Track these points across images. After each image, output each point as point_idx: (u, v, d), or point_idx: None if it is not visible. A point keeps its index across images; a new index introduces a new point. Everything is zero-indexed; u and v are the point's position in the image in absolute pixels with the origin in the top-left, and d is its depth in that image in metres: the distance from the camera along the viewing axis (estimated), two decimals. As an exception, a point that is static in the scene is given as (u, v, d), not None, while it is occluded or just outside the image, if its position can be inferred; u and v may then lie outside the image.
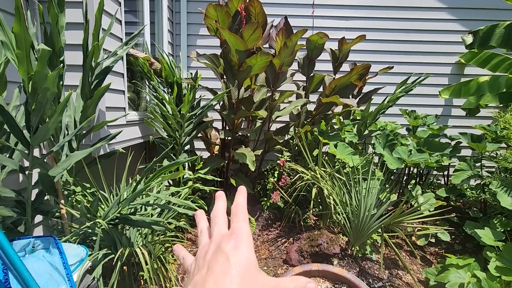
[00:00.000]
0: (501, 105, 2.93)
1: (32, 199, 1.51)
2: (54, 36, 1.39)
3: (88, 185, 1.77)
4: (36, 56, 1.27)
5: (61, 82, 1.53)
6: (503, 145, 2.64)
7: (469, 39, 2.66)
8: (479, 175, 2.43)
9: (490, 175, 2.44)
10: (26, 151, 1.34)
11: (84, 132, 1.80)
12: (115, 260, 1.50)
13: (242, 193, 0.38)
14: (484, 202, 2.62)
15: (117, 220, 1.56)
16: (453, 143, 2.97)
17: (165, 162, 2.45)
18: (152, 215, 1.88)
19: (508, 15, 3.36)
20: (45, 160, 1.69)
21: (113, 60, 1.81)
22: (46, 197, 1.79)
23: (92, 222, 1.53)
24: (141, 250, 1.57)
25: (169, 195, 2.28)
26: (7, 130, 1.46)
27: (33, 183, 1.49)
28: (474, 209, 2.72)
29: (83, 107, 1.69)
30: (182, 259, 0.40)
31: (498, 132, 2.59)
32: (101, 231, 1.54)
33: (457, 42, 3.47)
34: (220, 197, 0.40)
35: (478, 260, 1.96)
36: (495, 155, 2.68)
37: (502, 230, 2.04)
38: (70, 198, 1.69)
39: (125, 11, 2.39)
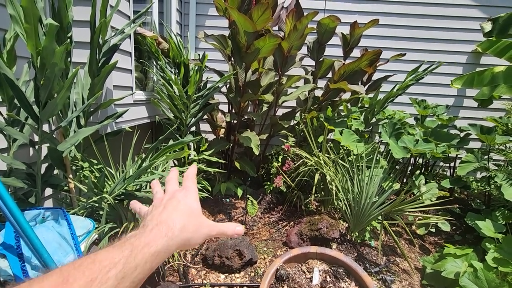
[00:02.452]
0: (516, 97, 2.84)
1: (42, 172, 1.56)
2: (62, 11, 1.39)
3: (95, 162, 1.81)
4: (44, 31, 1.27)
5: (69, 59, 1.54)
6: (514, 138, 2.59)
7: (488, 26, 2.54)
8: (486, 168, 2.40)
9: (497, 168, 2.40)
10: (36, 126, 1.38)
11: (91, 109, 1.83)
12: (120, 233, 1.56)
13: (193, 166, 0.53)
14: (488, 195, 2.60)
15: (122, 196, 1.61)
16: (462, 134, 2.92)
17: (171, 142, 2.49)
18: (156, 193, 1.93)
19: (532, 2, 3.19)
20: (54, 135, 1.74)
21: (121, 38, 1.81)
22: (55, 171, 1.85)
23: (99, 197, 1.58)
24: (145, 225, 1.63)
25: (174, 175, 2.33)
26: (18, 104, 1.50)
27: (42, 158, 1.53)
28: (478, 201, 2.71)
29: (90, 84, 1.71)
30: (139, 209, 0.52)
31: (509, 124, 2.53)
32: (107, 206, 1.60)
33: (474, 30, 3.34)
34: (173, 170, 0.53)
35: (477, 251, 1.97)
36: (504, 148, 2.63)
37: (504, 223, 2.04)
38: (78, 173, 1.75)
39: (133, -12, 2.35)
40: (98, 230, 1.57)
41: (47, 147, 1.42)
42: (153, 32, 2.71)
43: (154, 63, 2.79)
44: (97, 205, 1.64)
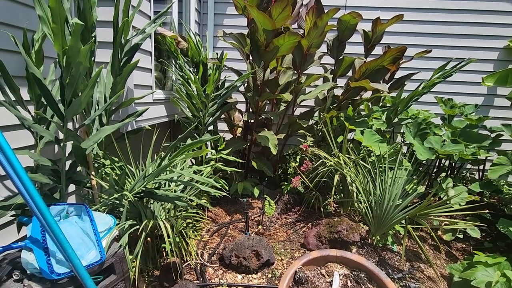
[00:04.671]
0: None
1: (66, 169, 1.61)
2: (87, 12, 1.42)
3: (116, 159, 1.85)
4: (70, 30, 1.30)
5: (92, 58, 1.57)
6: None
7: (523, 20, 2.38)
8: (520, 171, 2.24)
9: (532, 171, 2.24)
10: (61, 124, 1.42)
11: (113, 108, 1.87)
12: (140, 230, 1.58)
13: None
14: (523, 200, 2.43)
15: (142, 194, 1.63)
16: (493, 135, 2.75)
17: (189, 141, 2.50)
18: (175, 191, 1.94)
19: None
20: (77, 133, 1.78)
21: (142, 37, 1.83)
22: (78, 168, 1.91)
23: (119, 194, 1.60)
24: (164, 223, 1.64)
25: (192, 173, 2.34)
26: (44, 103, 1.55)
27: (67, 154, 1.58)
28: (511, 206, 2.54)
29: (112, 83, 1.74)
30: None
31: (547, 125, 2.35)
32: (127, 203, 1.62)
33: (508, 25, 3.14)
34: None
35: (510, 259, 1.84)
36: (540, 151, 2.45)
37: (541, 231, 1.89)
38: (100, 171, 1.78)
39: (154, -11, 2.38)
40: (119, 227, 1.59)
41: (71, 144, 1.45)
42: (173, 32, 2.74)
43: (173, 62, 2.82)
44: (118, 202, 1.67)
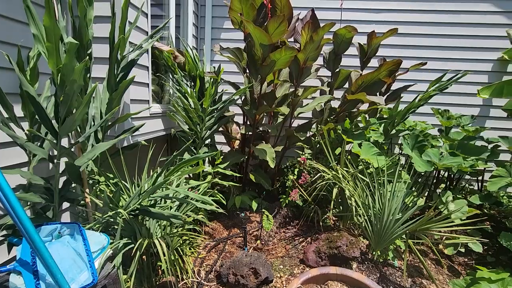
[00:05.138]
0: (549, 107, 2.65)
1: (60, 186, 1.57)
2: (83, 29, 1.42)
3: (111, 176, 1.82)
4: (64, 49, 1.30)
5: (88, 75, 1.57)
6: (549, 151, 2.40)
7: (516, 33, 2.42)
8: (519, 183, 2.22)
9: (532, 183, 2.23)
10: (55, 141, 1.40)
11: (109, 123, 1.85)
12: (134, 249, 1.53)
13: None
14: (523, 212, 2.41)
15: (137, 211, 1.59)
16: (490, 146, 2.74)
17: (186, 155, 2.48)
18: (171, 207, 1.90)
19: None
20: (72, 150, 1.76)
21: (138, 53, 1.83)
22: (72, 185, 1.87)
23: (114, 211, 1.57)
24: (159, 241, 1.60)
25: (189, 189, 2.31)
26: (39, 120, 1.53)
27: (60, 172, 1.55)
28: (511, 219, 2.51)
29: (108, 99, 1.73)
30: None
31: (544, 136, 2.35)
32: (122, 221, 1.58)
33: (500, 37, 3.19)
34: None
35: (514, 275, 1.80)
36: (539, 162, 2.45)
37: (544, 245, 1.86)
38: (94, 188, 1.75)
39: (151, 4, 2.41)
40: (113, 246, 1.55)
41: (64, 162, 1.42)
42: (170, 46, 2.76)
43: (171, 76, 2.83)
44: (112, 220, 1.63)
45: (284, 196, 2.74)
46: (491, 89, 2.39)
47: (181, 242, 2.00)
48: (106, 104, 1.76)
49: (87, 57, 1.47)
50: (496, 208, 2.88)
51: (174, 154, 1.49)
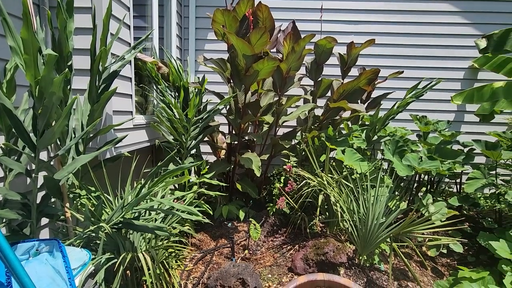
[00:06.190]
0: (517, 111, 2.82)
1: (38, 202, 1.52)
2: (62, 41, 1.41)
3: (93, 189, 1.77)
4: (43, 60, 1.28)
5: (68, 87, 1.55)
6: (519, 153, 2.54)
7: (483, 43, 2.58)
8: (494, 184, 2.33)
9: (505, 184, 2.34)
10: (33, 154, 1.36)
11: (91, 135, 1.82)
12: (117, 264, 1.49)
13: None
14: (499, 212, 2.51)
15: (120, 225, 1.56)
16: (465, 149, 2.87)
17: (171, 166, 2.45)
18: (156, 219, 1.87)
19: (524, 18, 3.26)
20: (52, 164, 1.71)
21: (121, 64, 1.83)
22: (52, 200, 1.81)
23: (96, 226, 1.52)
24: (143, 255, 1.56)
25: (174, 200, 2.27)
26: (16, 133, 1.48)
27: (39, 186, 1.50)
28: (489, 219, 2.62)
29: (90, 111, 1.71)
30: None
31: (514, 139, 2.49)
32: (104, 235, 1.54)
33: (470, 47, 3.39)
34: None
35: (493, 273, 1.87)
36: (511, 163, 2.58)
37: (519, 243, 1.95)
38: (75, 202, 1.70)
39: (134, 16, 2.42)
40: (95, 262, 1.50)
41: (43, 176, 1.38)
42: (153, 58, 2.76)
43: (155, 87, 2.82)
44: (94, 234, 1.58)
45: (271, 205, 2.74)
46: (463, 95, 2.52)
47: (167, 255, 1.96)
48: (87, 116, 1.73)
49: (67, 69, 1.46)
50: (474, 209, 2.99)
51: (158, 164, 1.48)
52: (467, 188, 2.39)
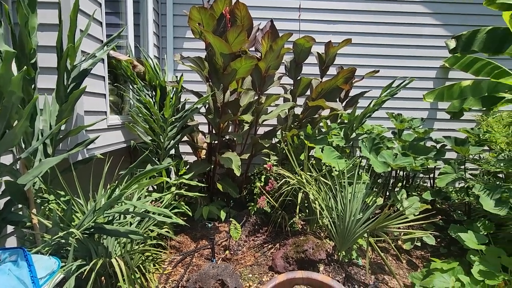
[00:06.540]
0: (484, 109, 2.98)
1: (1, 208, 1.43)
2: (24, 38, 1.33)
3: (62, 193, 1.69)
4: (1, 58, 1.20)
5: (32, 85, 1.46)
6: (486, 148, 2.68)
7: (452, 43, 2.70)
8: (463, 178, 2.44)
9: (473, 178, 2.46)
10: (-7, 158, 1.27)
11: (60, 137, 1.73)
12: (87, 271, 1.43)
13: None
14: (468, 205, 2.64)
15: (92, 230, 1.49)
16: (438, 146, 2.99)
17: (149, 167, 2.39)
18: (131, 223, 1.81)
19: (491, 20, 3.42)
20: (16, 167, 1.61)
21: (92, 62, 1.75)
22: (19, 206, 1.71)
23: (65, 232, 1.45)
24: (117, 260, 1.51)
25: (151, 202, 2.22)
26: (-26, 135, 1.38)
27: (1, 192, 1.41)
28: (459, 212, 2.74)
29: (58, 111, 1.63)
30: None
31: (480, 135, 2.62)
32: (75, 241, 1.47)
33: (441, 47, 3.53)
34: None
35: (463, 263, 1.96)
36: (478, 158, 2.71)
37: (485, 233, 2.05)
38: (43, 207, 1.62)
39: (107, 13, 2.33)
40: (65, 269, 1.43)
41: (4, 181, 1.30)
42: (129, 56, 2.67)
43: (131, 86, 2.73)
44: (64, 241, 1.51)
45: (252, 204, 2.73)
46: (434, 94, 2.63)
47: (144, 258, 1.90)
48: (56, 117, 1.65)
49: (28, 66, 1.37)
50: (446, 203, 3.13)
51: (131, 166, 1.43)
52: (439, 182, 2.49)
